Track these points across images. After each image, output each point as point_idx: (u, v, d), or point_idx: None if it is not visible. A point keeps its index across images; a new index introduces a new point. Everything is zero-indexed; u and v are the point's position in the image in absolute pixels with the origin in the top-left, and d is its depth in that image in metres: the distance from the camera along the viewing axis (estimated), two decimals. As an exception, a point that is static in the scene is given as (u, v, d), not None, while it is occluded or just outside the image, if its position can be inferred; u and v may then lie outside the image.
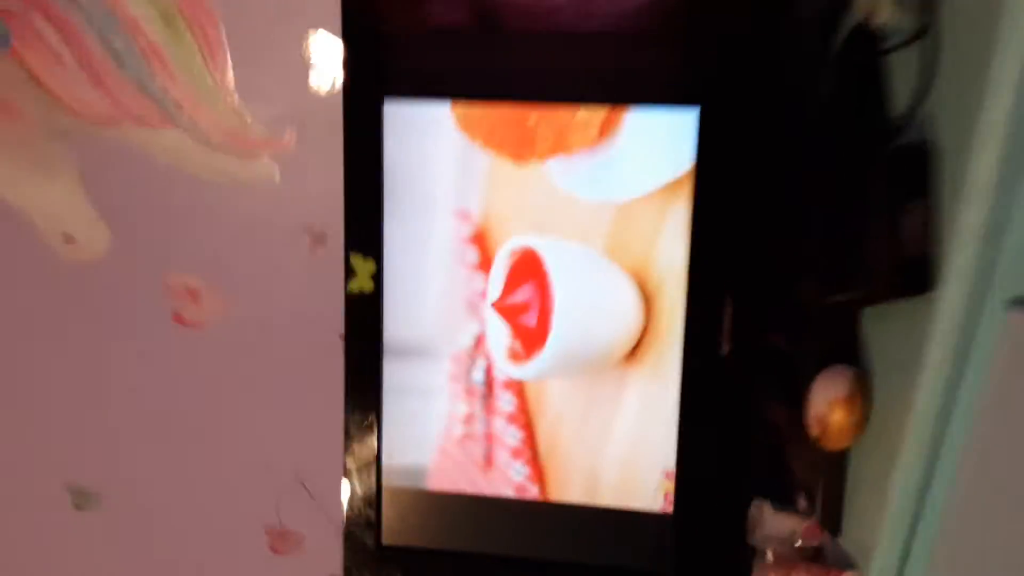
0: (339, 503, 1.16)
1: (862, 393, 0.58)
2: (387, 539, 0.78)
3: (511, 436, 0.75)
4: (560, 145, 0.68)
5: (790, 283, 0.65)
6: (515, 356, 0.73)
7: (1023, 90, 0.42)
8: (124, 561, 1.29)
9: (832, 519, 0.64)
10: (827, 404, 0.58)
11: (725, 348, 0.69)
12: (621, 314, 0.71)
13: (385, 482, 0.77)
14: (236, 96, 0.90)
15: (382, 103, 0.69)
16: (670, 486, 0.73)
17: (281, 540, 1.21)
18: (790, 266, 0.65)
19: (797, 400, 0.67)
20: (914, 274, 0.48)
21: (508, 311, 0.72)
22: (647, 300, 0.70)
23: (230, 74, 0.90)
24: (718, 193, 0.67)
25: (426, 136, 0.70)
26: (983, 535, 0.53)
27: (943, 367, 0.49)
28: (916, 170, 0.48)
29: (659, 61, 0.66)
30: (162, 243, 1.04)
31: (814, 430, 0.60)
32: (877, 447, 0.58)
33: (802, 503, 0.69)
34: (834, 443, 0.59)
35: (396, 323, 0.74)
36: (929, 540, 0.54)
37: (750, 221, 0.67)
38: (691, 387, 0.70)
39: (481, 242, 0.72)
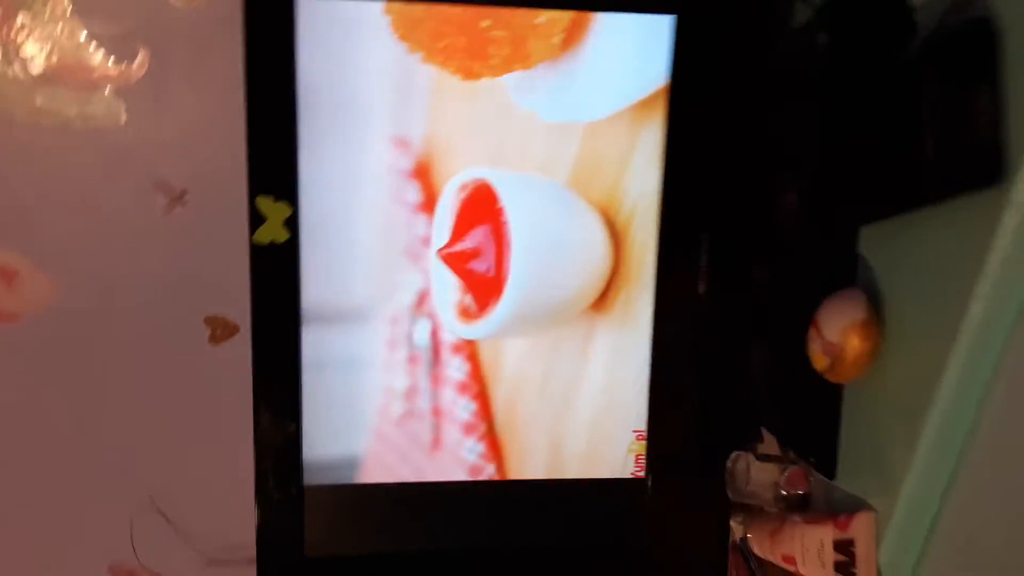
0: (204, 530, 0.97)
1: (877, 318, 0.53)
2: (312, 551, 0.63)
3: (462, 409, 0.63)
4: (518, 56, 0.58)
5: (778, 210, 0.59)
6: (466, 313, 0.61)
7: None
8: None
9: (827, 462, 0.59)
10: (841, 330, 0.52)
11: (702, 289, 0.62)
12: (587, 255, 0.62)
13: (307, 481, 0.62)
14: (69, 9, 0.71)
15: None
16: (641, 448, 0.65)
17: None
18: (778, 192, 0.59)
19: (778, 341, 0.62)
20: (984, 163, 0.43)
21: (458, 259, 0.60)
22: (616, 238, 0.62)
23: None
24: (695, 112, 0.60)
25: (353, 43, 0.57)
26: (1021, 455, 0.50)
27: (1010, 270, 0.44)
28: (975, 52, 0.44)
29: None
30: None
31: (824, 361, 0.54)
32: (894, 378, 0.53)
33: (784, 450, 0.63)
34: (847, 374, 0.54)
35: (317, 281, 0.60)
36: (969, 465, 0.50)
37: (732, 144, 0.60)
38: (665, 334, 0.63)
39: (424, 176, 0.59)
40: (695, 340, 0.63)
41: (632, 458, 0.66)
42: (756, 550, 0.63)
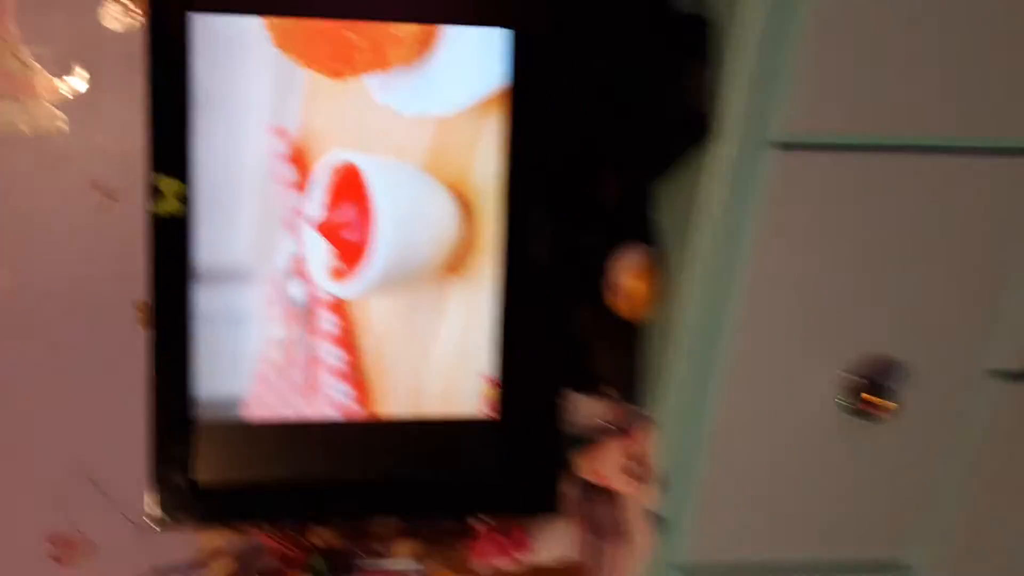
0: (139, 501, 1.07)
1: (657, 265, 0.65)
2: (202, 477, 0.73)
3: (334, 358, 0.75)
4: (377, 60, 0.71)
5: (592, 183, 0.72)
6: (337, 274, 0.73)
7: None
8: None
9: (633, 392, 0.71)
10: (626, 276, 0.65)
11: (538, 254, 0.75)
12: (441, 226, 0.74)
13: (198, 416, 0.73)
14: (16, 33, 0.84)
15: (188, 16, 0.68)
16: (490, 391, 0.76)
17: (67, 548, 1.10)
18: (599, 173, 0.72)
19: (597, 296, 0.74)
20: (698, 126, 0.56)
21: (329, 228, 0.72)
22: (466, 212, 0.74)
23: (10, 10, 0.84)
24: (532, 109, 0.73)
25: (238, 51, 0.70)
26: (767, 368, 0.62)
27: (720, 205, 0.57)
28: (696, 35, 0.57)
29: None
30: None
31: (617, 303, 0.66)
32: (668, 314, 0.66)
33: (609, 390, 0.75)
34: (635, 312, 0.66)
35: (208, 246, 0.72)
36: (720, 376, 0.62)
37: (562, 132, 0.73)
38: (509, 293, 0.75)
39: (299, 159, 0.72)
40: (533, 298, 0.75)
41: (483, 399, 0.77)
42: (582, 473, 0.74)
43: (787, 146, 0.56)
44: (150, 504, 0.75)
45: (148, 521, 0.77)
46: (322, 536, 1.07)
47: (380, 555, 1.08)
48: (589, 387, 0.77)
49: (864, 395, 0.62)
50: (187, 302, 0.71)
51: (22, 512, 1.06)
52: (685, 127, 0.57)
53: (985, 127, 0.58)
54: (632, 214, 0.71)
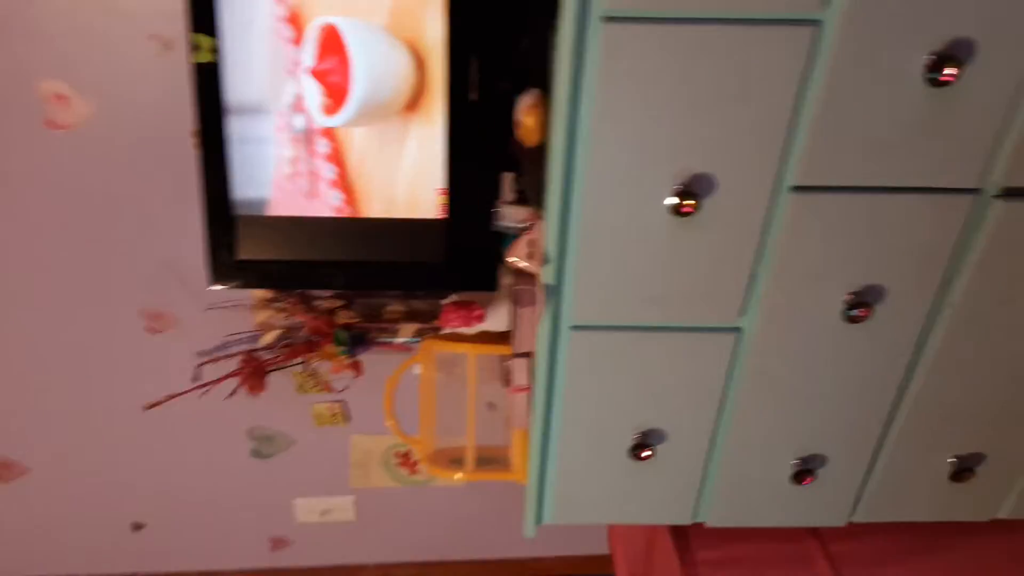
0: (204, 286, 1.40)
1: (543, 103, 0.90)
2: (242, 255, 1.06)
3: (328, 171, 1.04)
4: (347, -55, 0.94)
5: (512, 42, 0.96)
6: (327, 109, 1.01)
7: None
8: None
9: (539, 199, 0.98)
10: (521, 111, 0.90)
11: (473, 96, 1.00)
12: (401, 74, 1.00)
13: (237, 212, 1.04)
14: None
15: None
16: (442, 199, 1.05)
17: (156, 320, 1.46)
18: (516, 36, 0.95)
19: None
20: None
21: (319, 74, 0.99)
22: (420, 63, 0.99)
23: None
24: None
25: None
26: (614, 179, 0.88)
27: (569, 62, 0.81)
28: None
29: None
30: (31, 54, 1.22)
31: (519, 133, 0.92)
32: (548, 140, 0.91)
33: (527, 197, 1.02)
34: (529, 140, 0.91)
35: (234, 88, 1.00)
36: (581, 184, 0.89)
37: (492, 10, 0.96)
38: (453, 126, 1.01)
39: (295, 21, 0.98)
40: (471, 130, 1.02)
41: (438, 205, 1.06)
42: (507, 261, 1.03)
43: (611, 19, 0.79)
44: (209, 278, 1.08)
45: (209, 288, 1.10)
46: (346, 317, 1.42)
47: (390, 333, 1.43)
48: (518, 197, 1.05)
49: (682, 199, 0.87)
50: (223, 129, 1.00)
51: (119, 295, 1.42)
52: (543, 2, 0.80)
53: (767, 3, 0.80)
54: (537, 66, 0.95)
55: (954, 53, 0.81)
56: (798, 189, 0.90)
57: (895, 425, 1.12)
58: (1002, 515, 1.24)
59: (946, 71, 0.80)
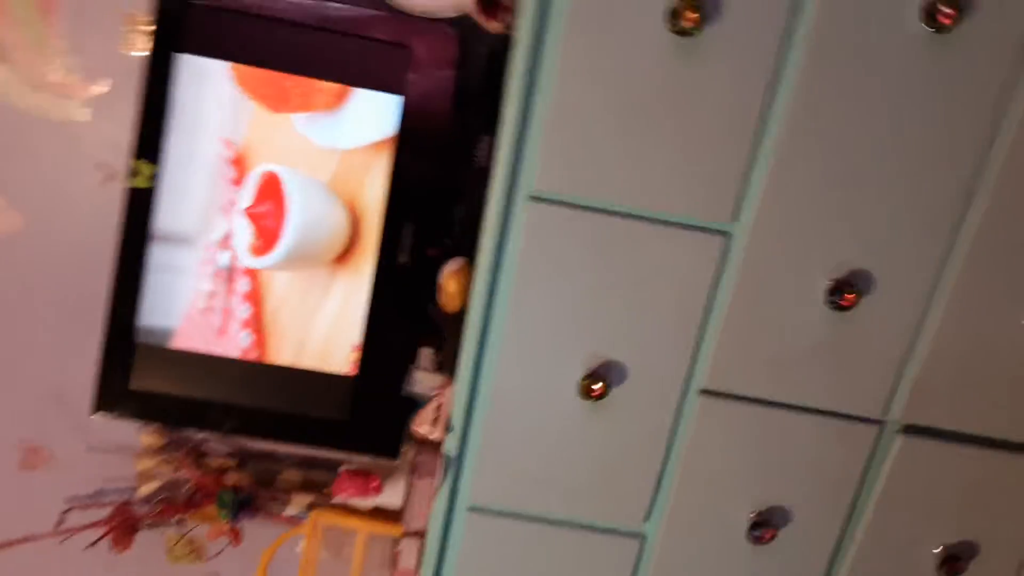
0: (91, 421, 1.31)
1: (467, 271, 0.92)
2: (136, 385, 1.00)
3: (243, 311, 1.02)
4: (306, 104, 1.00)
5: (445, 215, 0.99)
6: (255, 250, 1.01)
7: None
8: None
9: (454, 366, 0.96)
10: (446, 276, 0.91)
11: (403, 259, 1.02)
12: (334, 228, 1.01)
13: (139, 339, 1.00)
14: (62, 45, 1.15)
15: (176, 56, 0.98)
16: (356, 355, 1.03)
17: (32, 455, 1.35)
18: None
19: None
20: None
21: (254, 216, 1.00)
22: (355, 221, 1.02)
23: (59, 26, 1.15)
24: (410, 152, 1.01)
25: (208, 83, 0.99)
26: (527, 359, 0.87)
27: (492, 237, 0.83)
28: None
29: (378, 59, 1.00)
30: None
31: (441, 298, 0.93)
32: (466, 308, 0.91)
33: (441, 365, 1.01)
34: (449, 304, 0.92)
35: (165, 216, 1.00)
36: (493, 357, 0.88)
37: (429, 170, 1.01)
38: (379, 285, 1.02)
39: (239, 163, 1.00)
40: (397, 291, 1.02)
41: (350, 361, 1.03)
42: (412, 428, 0.99)
43: (537, 199, 0.83)
44: (94, 404, 1.01)
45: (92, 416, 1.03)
46: (235, 478, 1.33)
47: (280, 503, 1.34)
48: (436, 364, 1.03)
49: (592, 384, 0.87)
50: (143, 254, 0.99)
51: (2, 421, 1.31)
52: (479, 180, 0.84)
53: (685, 208, 0.84)
54: (467, 237, 0.98)
55: (853, 281, 0.85)
56: (706, 392, 0.90)
57: (799, 666, 1.04)
58: None
59: (845, 296, 0.84)
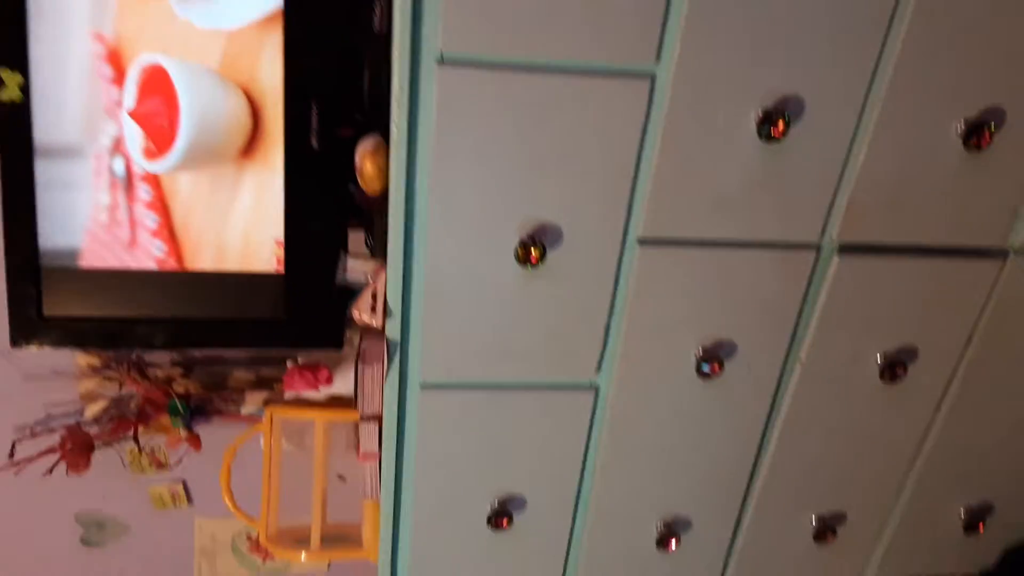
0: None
1: (383, 149, 0.86)
2: (50, 311, 0.94)
3: (150, 220, 0.95)
4: (175, -19, 0.89)
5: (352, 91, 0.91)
6: (149, 153, 0.93)
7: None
8: None
9: (382, 247, 0.92)
10: (361, 157, 0.85)
11: (314, 143, 0.95)
12: (235, 119, 0.93)
13: (43, 263, 0.93)
14: None
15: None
16: (280, 251, 0.98)
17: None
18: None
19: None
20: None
21: (141, 117, 0.92)
22: (255, 108, 0.94)
23: None
24: (301, 25, 0.92)
25: (60, -31, 0.87)
26: (457, 228, 0.84)
27: (402, 104, 0.77)
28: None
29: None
30: None
31: (360, 179, 0.87)
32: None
33: (368, 248, 0.97)
34: (369, 187, 0.87)
35: (44, 128, 0.91)
36: (422, 233, 0.84)
37: (329, 45, 0.92)
38: (292, 174, 0.95)
39: (115, 59, 0.90)
40: (313, 178, 0.96)
41: (275, 258, 0.98)
42: (352, 316, 0.96)
43: (445, 63, 0.76)
44: (10, 337, 0.96)
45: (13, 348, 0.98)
46: (184, 385, 1.30)
47: (235, 403, 1.32)
48: (368, 248, 0.99)
49: (529, 249, 0.84)
50: (29, 172, 0.91)
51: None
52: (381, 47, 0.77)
53: (605, 54, 0.79)
54: (379, 110, 0.91)
55: (783, 109, 0.82)
56: (644, 242, 0.89)
57: (755, 485, 1.10)
58: (868, 576, 1.23)
59: (776, 125, 0.81)
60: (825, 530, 1.13)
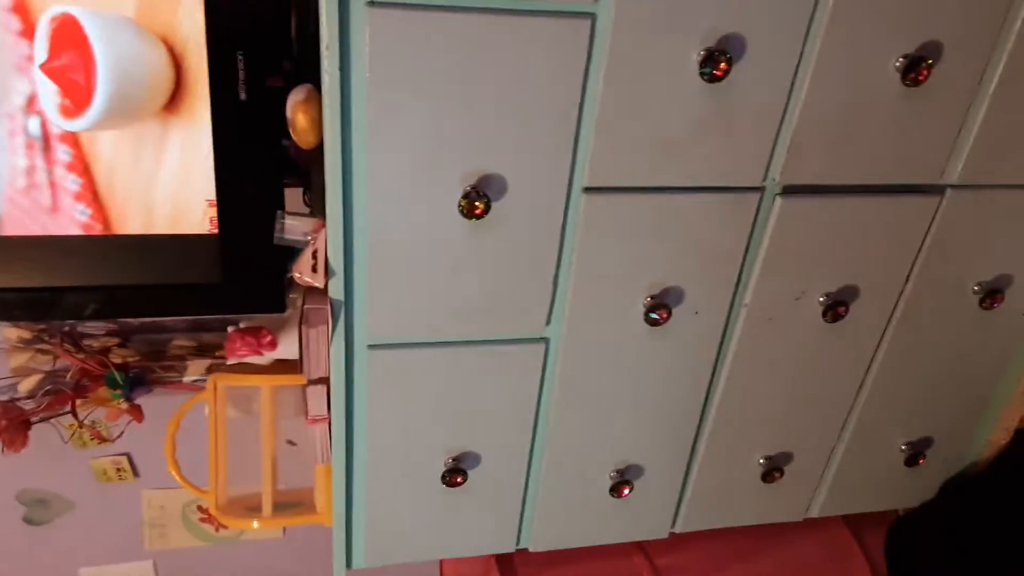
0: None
1: (316, 100, 0.82)
2: (-37, 285, 0.89)
3: (72, 182, 0.90)
4: (81, -77, 0.83)
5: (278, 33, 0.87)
6: (66, 112, 0.87)
7: None
8: None
9: (321, 204, 0.89)
10: (292, 109, 0.81)
11: (242, 95, 0.90)
12: (156, 72, 0.88)
13: (-44, 232, 0.88)
14: None
15: None
16: (213, 212, 0.94)
17: None
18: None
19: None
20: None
21: (55, 72, 0.86)
22: (177, 60, 0.89)
23: None
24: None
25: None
26: (398, 181, 0.81)
27: (333, 51, 0.74)
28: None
29: None
30: None
31: (292, 133, 0.83)
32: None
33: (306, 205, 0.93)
34: (303, 140, 0.83)
35: (-53, 86, 0.84)
36: (361, 189, 0.81)
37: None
38: (220, 129, 0.91)
39: (21, 10, 0.84)
40: (242, 133, 0.92)
41: (208, 219, 0.94)
42: (294, 277, 0.93)
43: (376, 4, 0.73)
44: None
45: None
46: (121, 355, 1.25)
47: (177, 372, 1.28)
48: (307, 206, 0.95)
49: (473, 202, 0.82)
50: (-67, 135, 0.84)
51: None
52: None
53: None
54: (309, 58, 0.87)
55: (724, 48, 0.81)
56: (590, 190, 0.87)
57: (705, 429, 1.11)
58: (813, 514, 1.26)
59: (718, 66, 0.80)
60: (772, 470, 1.15)
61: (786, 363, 1.07)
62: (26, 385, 1.23)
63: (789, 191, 0.94)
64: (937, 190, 0.98)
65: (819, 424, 1.15)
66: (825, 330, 1.05)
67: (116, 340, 1.25)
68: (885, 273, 1.02)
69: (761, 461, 1.17)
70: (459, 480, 1.03)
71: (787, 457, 1.18)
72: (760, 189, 0.93)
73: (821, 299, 1.02)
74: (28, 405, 1.25)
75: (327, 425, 1.03)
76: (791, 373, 1.08)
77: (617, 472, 1.11)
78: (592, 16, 0.78)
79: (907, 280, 1.04)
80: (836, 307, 1.01)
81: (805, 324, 1.04)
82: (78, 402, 1.22)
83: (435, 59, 0.75)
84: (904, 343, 1.10)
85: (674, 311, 0.97)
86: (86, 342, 1.24)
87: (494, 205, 0.84)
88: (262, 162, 0.92)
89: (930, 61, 0.85)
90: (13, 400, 1.27)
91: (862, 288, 1.03)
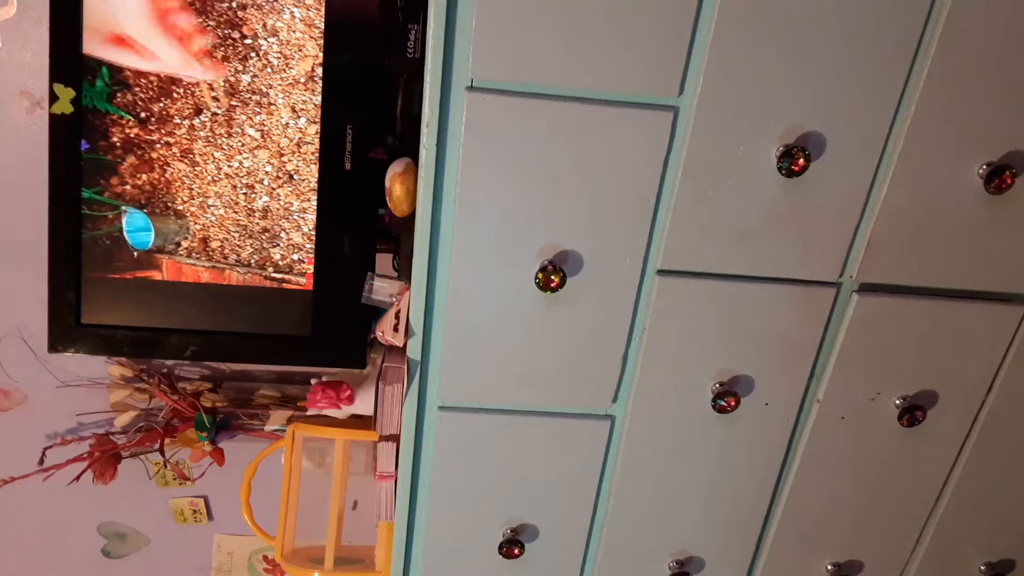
0: (58, 359, 1.31)
1: (412, 172, 0.89)
2: (88, 319, 0.98)
3: (189, 233, 0.99)
4: (224, 9, 0.94)
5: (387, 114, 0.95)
6: (192, 170, 0.97)
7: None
8: None
9: (408, 268, 0.95)
10: (391, 180, 0.89)
11: (348, 165, 0.99)
12: (273, 140, 0.98)
13: (85, 274, 0.98)
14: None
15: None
16: (310, 269, 1.01)
17: (3, 398, 1.34)
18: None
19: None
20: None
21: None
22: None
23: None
24: (341, 51, 0.96)
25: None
26: (480, 258, 0.86)
27: (431, 131, 0.80)
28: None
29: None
30: None
31: (389, 202, 0.90)
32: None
33: (399, 270, 0.99)
34: (397, 209, 0.90)
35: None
36: (446, 259, 0.86)
37: (365, 79, 0.96)
38: (325, 193, 0.99)
39: (165, 80, 0.95)
40: (344, 199, 1.00)
41: (305, 275, 1.02)
42: (377, 336, 0.99)
43: (475, 89, 0.80)
44: (49, 344, 0.99)
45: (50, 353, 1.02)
46: (211, 399, 1.33)
47: (260, 420, 1.35)
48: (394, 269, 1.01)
49: (550, 275, 0.86)
50: (77, 182, 0.95)
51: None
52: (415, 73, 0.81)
53: (630, 86, 0.82)
54: (410, 135, 0.95)
55: (804, 144, 0.84)
56: (663, 273, 0.90)
57: (771, 527, 1.09)
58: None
59: (796, 161, 0.83)
60: (842, 577, 1.11)
61: (858, 465, 1.04)
62: (121, 420, 1.32)
63: (866, 289, 0.94)
64: (1022, 300, 0.97)
65: (893, 534, 1.11)
66: (901, 434, 1.03)
67: (208, 385, 1.33)
68: (966, 380, 1.00)
69: (829, 567, 1.13)
70: (516, 552, 1.03)
71: (857, 567, 1.14)
72: (836, 284, 0.93)
73: (897, 401, 1.00)
74: (120, 440, 1.33)
75: (393, 483, 1.06)
76: (863, 476, 1.05)
77: (677, 563, 1.09)
78: (675, 109, 0.83)
79: (990, 389, 1.01)
80: (913, 411, 0.99)
81: (880, 426, 1.02)
82: (166, 441, 1.29)
83: (524, 140, 0.81)
84: (987, 455, 1.06)
85: (743, 400, 0.97)
86: (181, 384, 1.32)
87: (569, 280, 0.88)
88: (359, 226, 0.99)
89: (1014, 170, 0.86)
90: (108, 434, 1.35)
91: (941, 394, 1.01)
